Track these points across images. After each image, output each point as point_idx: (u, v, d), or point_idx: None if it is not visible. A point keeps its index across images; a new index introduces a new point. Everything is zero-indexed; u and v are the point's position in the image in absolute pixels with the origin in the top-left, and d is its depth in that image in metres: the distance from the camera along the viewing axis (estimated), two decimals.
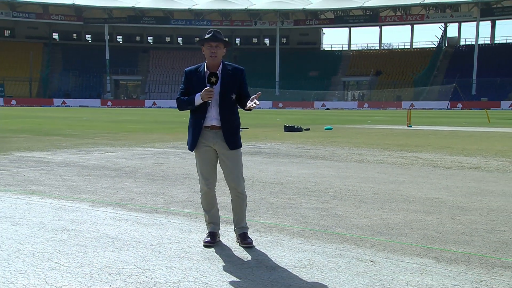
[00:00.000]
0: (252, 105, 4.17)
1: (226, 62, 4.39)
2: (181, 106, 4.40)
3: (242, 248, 4.36)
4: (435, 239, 4.67)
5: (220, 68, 4.30)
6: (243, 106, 4.32)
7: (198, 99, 4.20)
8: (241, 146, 4.47)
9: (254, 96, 4.23)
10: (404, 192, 7.09)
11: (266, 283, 3.53)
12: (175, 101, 4.52)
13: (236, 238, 4.52)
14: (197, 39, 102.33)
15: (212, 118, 4.30)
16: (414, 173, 8.93)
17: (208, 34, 4.25)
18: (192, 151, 4.45)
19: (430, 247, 4.42)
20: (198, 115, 4.33)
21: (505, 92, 78.77)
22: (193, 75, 4.36)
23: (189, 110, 4.42)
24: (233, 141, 4.33)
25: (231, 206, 4.54)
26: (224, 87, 4.26)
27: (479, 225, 5.21)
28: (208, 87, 4.16)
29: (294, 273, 3.75)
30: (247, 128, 20.49)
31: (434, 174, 8.90)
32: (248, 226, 4.59)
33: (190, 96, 4.29)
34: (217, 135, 4.31)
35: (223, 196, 5.93)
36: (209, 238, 4.44)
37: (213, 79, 4.20)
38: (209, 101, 4.22)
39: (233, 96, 4.31)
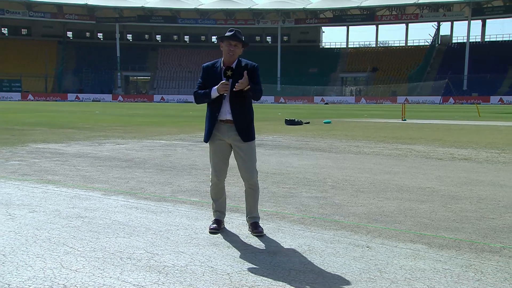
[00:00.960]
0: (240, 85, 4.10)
1: (241, 58, 4.34)
2: (198, 99, 4.36)
3: (246, 235, 4.37)
4: (427, 226, 4.68)
5: (234, 64, 4.25)
6: (255, 98, 4.30)
7: (214, 92, 4.18)
8: (254, 139, 4.43)
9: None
10: (399, 182, 7.09)
11: (268, 267, 3.54)
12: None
13: (248, 226, 4.51)
14: (203, 37, 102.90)
15: (226, 112, 4.26)
16: (408, 164, 8.93)
17: (229, 32, 4.23)
18: (206, 142, 4.42)
19: (423, 234, 4.42)
20: (214, 109, 4.30)
21: (495, 87, 78.62)
22: (210, 70, 4.34)
23: (206, 104, 4.38)
24: (247, 133, 4.30)
25: (244, 196, 4.52)
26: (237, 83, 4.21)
27: (469, 213, 5.21)
28: (224, 81, 4.14)
29: (295, 258, 3.76)
30: None
31: (427, 165, 8.89)
32: (259, 216, 4.57)
33: (206, 89, 4.27)
34: (231, 128, 4.27)
35: (229, 186, 5.93)
36: (215, 225, 4.45)
37: (229, 73, 4.17)
38: (225, 94, 4.19)
39: None
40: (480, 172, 8.10)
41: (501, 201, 5.85)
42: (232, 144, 4.33)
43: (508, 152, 10.88)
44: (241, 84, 4.09)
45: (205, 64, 4.44)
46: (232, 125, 4.27)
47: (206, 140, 4.40)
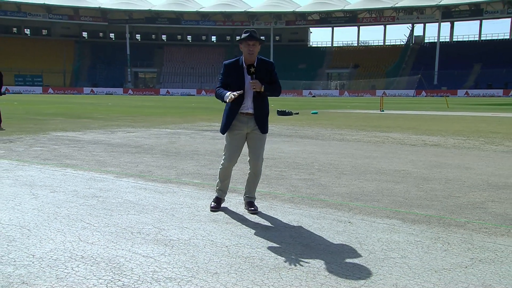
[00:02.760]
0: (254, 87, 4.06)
1: (259, 56, 4.20)
2: (217, 97, 4.24)
3: (243, 212, 4.38)
4: (402, 204, 4.70)
5: (255, 62, 4.13)
6: (275, 95, 4.23)
7: (226, 98, 4.04)
8: (268, 131, 4.37)
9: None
10: (377, 165, 7.10)
11: (262, 240, 3.56)
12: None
13: (244, 205, 4.50)
14: (204, 37, 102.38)
15: (248, 107, 4.17)
16: (385, 150, 8.95)
17: (245, 33, 4.08)
18: (223, 134, 4.32)
19: (398, 210, 4.45)
20: (235, 104, 4.17)
21: (461, 82, 78.87)
22: (232, 67, 4.19)
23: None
24: (264, 126, 4.24)
25: (247, 178, 4.47)
26: (258, 80, 4.09)
27: (438, 192, 5.24)
28: (254, 80, 4.02)
29: (285, 232, 3.77)
30: None
31: (402, 150, 8.91)
32: (256, 197, 4.55)
33: (226, 89, 4.13)
34: (251, 120, 4.21)
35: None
36: (215, 204, 4.43)
37: (252, 70, 4.05)
38: (255, 91, 4.06)
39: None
40: (448, 156, 8.14)
41: (466, 181, 5.88)
42: (250, 133, 4.27)
43: (473, 139, 10.92)
44: (255, 86, 4.02)
45: (226, 62, 4.26)
46: (252, 117, 4.20)
47: (223, 132, 4.30)
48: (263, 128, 4.26)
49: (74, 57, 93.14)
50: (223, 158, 4.40)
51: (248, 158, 4.39)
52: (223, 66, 4.29)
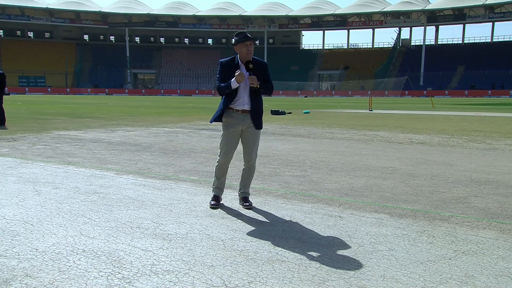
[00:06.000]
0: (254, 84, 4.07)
1: (253, 56, 4.18)
2: (222, 91, 4.17)
3: (238, 208, 4.37)
4: (389, 199, 4.71)
5: (251, 60, 4.11)
6: (268, 93, 4.24)
7: (234, 84, 4.04)
8: (262, 127, 4.36)
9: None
10: (366, 162, 7.12)
11: (256, 234, 3.55)
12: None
13: (239, 200, 4.47)
14: (200, 39, 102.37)
15: (245, 103, 4.16)
16: (374, 147, 8.97)
17: (240, 35, 4.07)
18: (211, 123, 4.33)
19: (385, 205, 4.46)
20: (230, 99, 4.16)
21: (446, 83, 79.27)
22: (229, 65, 4.16)
23: (218, 96, 4.31)
24: (259, 123, 4.24)
25: (241, 174, 4.45)
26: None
27: (424, 188, 5.26)
28: (238, 71, 4.02)
29: (278, 226, 3.77)
30: None
31: (390, 148, 8.94)
32: (250, 193, 4.54)
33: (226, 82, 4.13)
34: (246, 117, 4.19)
35: None
36: (214, 201, 4.37)
37: (251, 66, 4.05)
38: (253, 87, 4.05)
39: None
40: (433, 153, 8.17)
41: (450, 177, 5.91)
42: (244, 130, 4.25)
43: (456, 137, 10.97)
44: (253, 81, 4.03)
45: (223, 60, 4.23)
46: (247, 115, 4.18)
47: (211, 121, 4.28)
48: (258, 125, 4.25)
49: (75, 59, 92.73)
50: (218, 155, 4.39)
51: (243, 154, 4.38)
52: (219, 64, 4.25)
